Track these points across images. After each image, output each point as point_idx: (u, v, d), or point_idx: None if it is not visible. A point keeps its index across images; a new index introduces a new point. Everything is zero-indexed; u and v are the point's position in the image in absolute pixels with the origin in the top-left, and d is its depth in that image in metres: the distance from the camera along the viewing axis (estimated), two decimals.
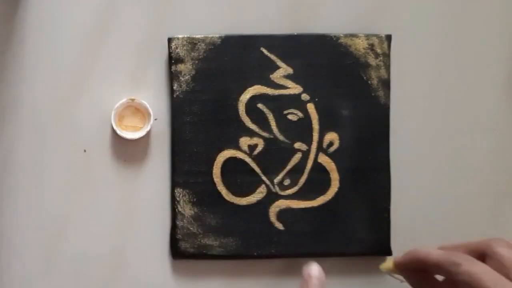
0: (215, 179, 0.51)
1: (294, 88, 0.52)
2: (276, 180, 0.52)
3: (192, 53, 0.52)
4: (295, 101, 0.52)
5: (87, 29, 0.52)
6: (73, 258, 0.52)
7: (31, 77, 0.52)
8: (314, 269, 0.47)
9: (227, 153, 0.52)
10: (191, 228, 0.51)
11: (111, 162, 0.52)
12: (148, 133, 0.52)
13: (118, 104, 0.51)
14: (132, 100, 0.51)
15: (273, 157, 0.52)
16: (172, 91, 0.52)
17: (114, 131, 0.51)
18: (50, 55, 0.52)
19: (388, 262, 0.49)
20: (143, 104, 0.51)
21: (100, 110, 0.52)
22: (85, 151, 0.52)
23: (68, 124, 0.52)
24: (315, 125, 0.52)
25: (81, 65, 0.52)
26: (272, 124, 0.52)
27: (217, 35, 0.52)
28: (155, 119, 0.52)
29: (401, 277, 0.49)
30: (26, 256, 0.52)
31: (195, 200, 0.51)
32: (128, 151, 0.52)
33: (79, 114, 0.52)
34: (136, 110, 0.52)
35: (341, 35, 0.52)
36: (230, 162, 0.52)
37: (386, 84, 0.52)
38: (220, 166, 0.52)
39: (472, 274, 0.43)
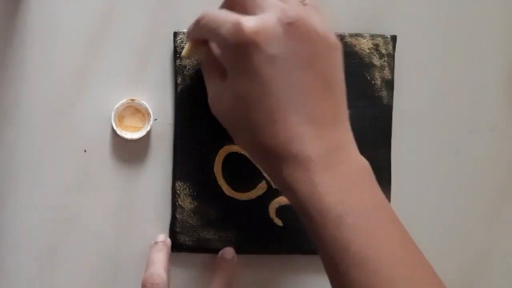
0: (216, 174, 0.52)
1: None
2: None
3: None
4: None
5: (89, 24, 0.52)
6: (73, 257, 0.52)
7: (31, 76, 0.52)
8: (227, 251, 0.51)
9: (228, 148, 0.52)
10: (191, 222, 0.52)
11: (112, 162, 0.52)
12: (150, 132, 0.52)
13: (118, 105, 0.51)
14: (132, 100, 0.51)
15: None
16: (176, 85, 0.52)
17: (114, 131, 0.51)
18: (51, 55, 0.52)
19: (187, 46, 0.48)
20: (143, 105, 0.51)
21: (102, 109, 0.52)
22: (85, 151, 0.52)
23: (70, 124, 0.52)
24: None
25: (83, 61, 0.52)
26: None
27: None
28: (155, 119, 0.52)
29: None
30: (27, 255, 0.52)
31: (195, 194, 0.52)
32: (129, 150, 0.52)
33: (80, 113, 0.52)
34: (136, 110, 0.52)
35: (346, 34, 0.52)
36: (231, 157, 0.52)
37: (389, 84, 0.53)
38: (221, 161, 0.52)
39: (209, 20, 0.43)
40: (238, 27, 0.41)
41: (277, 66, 0.41)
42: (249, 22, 0.41)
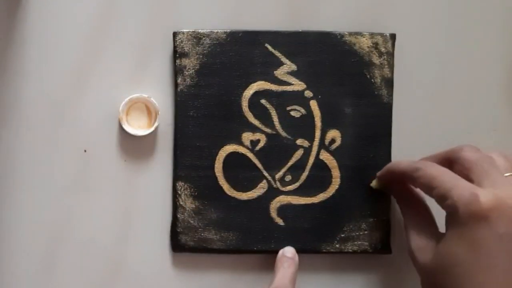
0: (216, 174, 0.52)
1: (297, 85, 0.52)
2: (277, 176, 0.52)
3: (197, 48, 0.52)
4: (298, 98, 0.52)
5: (89, 24, 0.52)
6: (73, 257, 0.52)
7: (31, 75, 0.52)
8: (287, 250, 0.51)
9: (229, 148, 0.52)
10: (192, 222, 0.52)
11: (112, 162, 0.52)
12: (150, 132, 0.52)
13: (125, 101, 0.51)
14: (141, 97, 0.51)
15: (275, 153, 0.52)
16: (176, 85, 0.52)
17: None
18: (51, 54, 0.52)
19: (375, 180, 0.51)
20: (151, 101, 0.51)
21: (102, 109, 0.52)
22: (85, 151, 0.52)
23: (70, 124, 0.52)
24: (318, 122, 0.52)
25: (83, 61, 0.52)
26: (274, 120, 0.52)
27: (222, 31, 0.52)
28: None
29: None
30: (27, 256, 0.52)
31: (196, 194, 0.52)
32: (129, 150, 0.52)
33: (80, 113, 0.52)
34: (141, 107, 0.52)
35: (346, 33, 0.52)
36: (232, 157, 0.52)
37: (389, 83, 0.53)
38: (222, 160, 0.52)
39: (429, 175, 0.44)
40: (475, 199, 0.41)
41: (502, 245, 0.40)
42: (487, 197, 0.41)
